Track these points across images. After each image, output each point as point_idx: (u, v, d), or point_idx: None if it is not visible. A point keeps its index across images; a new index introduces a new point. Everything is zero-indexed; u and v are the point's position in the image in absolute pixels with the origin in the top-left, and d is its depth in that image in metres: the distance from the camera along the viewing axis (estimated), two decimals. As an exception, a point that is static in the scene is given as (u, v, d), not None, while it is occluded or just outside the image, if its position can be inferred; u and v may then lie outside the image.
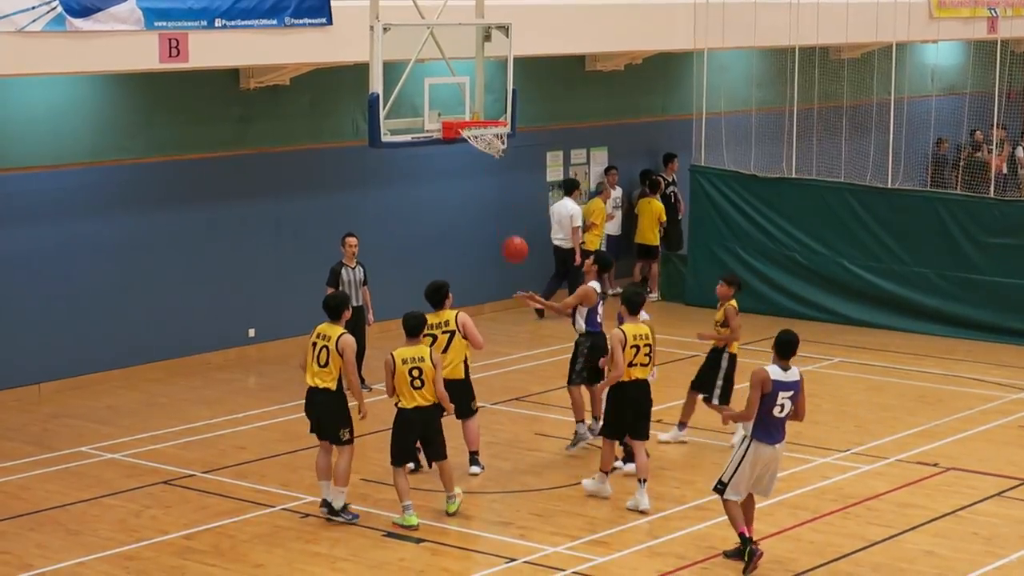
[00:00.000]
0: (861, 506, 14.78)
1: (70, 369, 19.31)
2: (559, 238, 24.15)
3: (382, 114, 16.58)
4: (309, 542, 13.78)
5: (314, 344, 14.15)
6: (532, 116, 23.13)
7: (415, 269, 22.15)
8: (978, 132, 30.36)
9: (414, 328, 14.17)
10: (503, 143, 17.57)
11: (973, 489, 15.30)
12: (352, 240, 18.92)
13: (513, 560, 13.31)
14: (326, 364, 14.05)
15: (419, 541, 13.74)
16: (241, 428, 17.66)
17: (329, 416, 14.22)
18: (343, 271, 18.79)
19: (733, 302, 16.42)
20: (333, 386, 14.11)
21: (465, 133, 17.37)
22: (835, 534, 13.86)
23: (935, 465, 16.17)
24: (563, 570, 13.08)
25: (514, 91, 18.04)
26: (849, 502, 14.82)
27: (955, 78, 29.68)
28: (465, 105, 17.64)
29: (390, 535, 13.92)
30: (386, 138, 16.79)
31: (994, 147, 27.86)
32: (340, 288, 18.56)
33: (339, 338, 14.03)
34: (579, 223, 24.03)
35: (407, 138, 17.37)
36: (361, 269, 18.99)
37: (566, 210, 24.04)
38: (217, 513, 14.56)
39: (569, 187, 24.40)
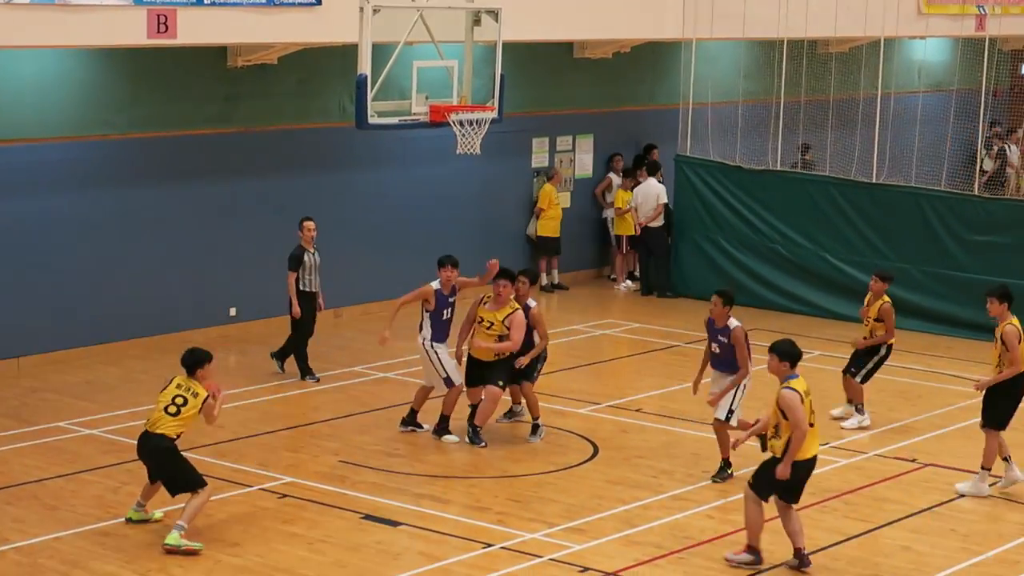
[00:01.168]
0: (839, 500, 14.80)
1: (50, 344, 19.25)
2: (649, 218, 24.76)
3: (369, 96, 16.57)
4: (286, 523, 13.75)
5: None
6: (519, 102, 23.10)
7: (399, 251, 22.15)
8: (997, 127, 30.26)
9: (192, 365, 13.30)
10: (479, 141, 17.65)
11: (951, 485, 15.32)
12: (311, 224, 18.62)
13: (490, 545, 13.30)
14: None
15: (396, 524, 13.73)
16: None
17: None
18: (305, 255, 18.55)
19: (886, 298, 17.31)
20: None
21: (452, 119, 17.34)
22: (813, 527, 13.85)
23: (913, 461, 16.20)
24: (540, 557, 13.08)
25: (502, 76, 18.03)
26: (827, 496, 14.83)
27: (942, 75, 29.69)
28: (453, 89, 17.62)
29: (368, 518, 13.90)
30: (373, 120, 16.79)
31: (979, 145, 27.85)
32: (301, 272, 18.39)
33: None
34: (665, 200, 24.70)
35: (394, 120, 17.38)
36: (318, 254, 18.76)
37: (653, 190, 24.61)
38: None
39: (652, 168, 24.95)
